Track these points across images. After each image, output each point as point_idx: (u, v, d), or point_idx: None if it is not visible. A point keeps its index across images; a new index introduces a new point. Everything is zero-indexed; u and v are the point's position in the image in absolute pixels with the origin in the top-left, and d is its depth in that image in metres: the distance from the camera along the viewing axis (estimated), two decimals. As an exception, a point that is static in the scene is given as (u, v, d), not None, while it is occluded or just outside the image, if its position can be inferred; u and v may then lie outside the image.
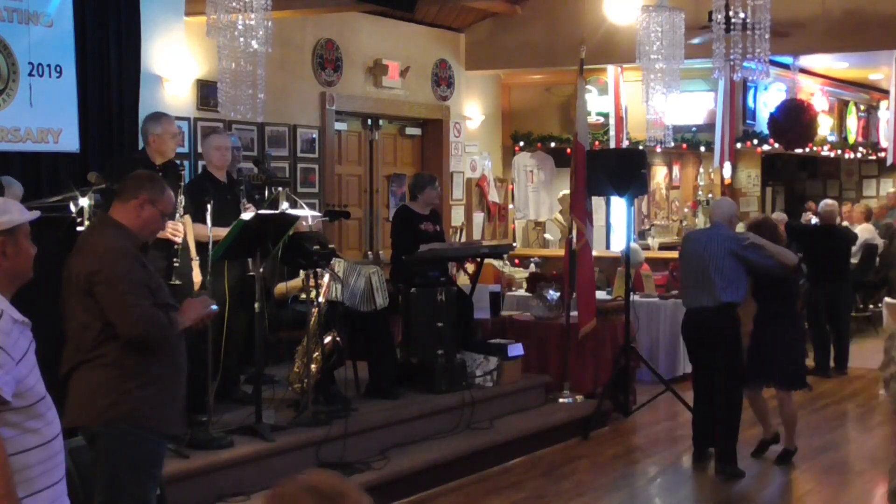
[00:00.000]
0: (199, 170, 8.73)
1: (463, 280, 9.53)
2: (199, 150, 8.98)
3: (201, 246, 6.53)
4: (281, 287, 7.55)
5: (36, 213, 3.31)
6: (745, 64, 8.47)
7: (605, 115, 12.74)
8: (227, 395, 6.98)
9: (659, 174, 14.44)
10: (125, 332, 4.10)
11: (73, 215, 5.87)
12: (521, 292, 10.43)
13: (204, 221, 6.46)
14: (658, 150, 12.06)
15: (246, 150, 9.01)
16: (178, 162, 6.61)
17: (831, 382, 10.43)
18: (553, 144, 13.15)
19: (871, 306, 13.26)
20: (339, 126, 10.99)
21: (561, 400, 8.61)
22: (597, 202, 10.15)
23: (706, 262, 7.18)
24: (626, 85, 12.36)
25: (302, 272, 7.11)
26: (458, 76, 12.41)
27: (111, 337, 4.12)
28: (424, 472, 6.82)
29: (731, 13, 8.43)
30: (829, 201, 11.36)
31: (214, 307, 4.50)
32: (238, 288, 6.87)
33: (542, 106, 13.42)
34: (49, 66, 7.38)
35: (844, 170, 18.55)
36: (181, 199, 6.16)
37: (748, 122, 13.42)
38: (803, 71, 14.16)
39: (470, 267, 9.05)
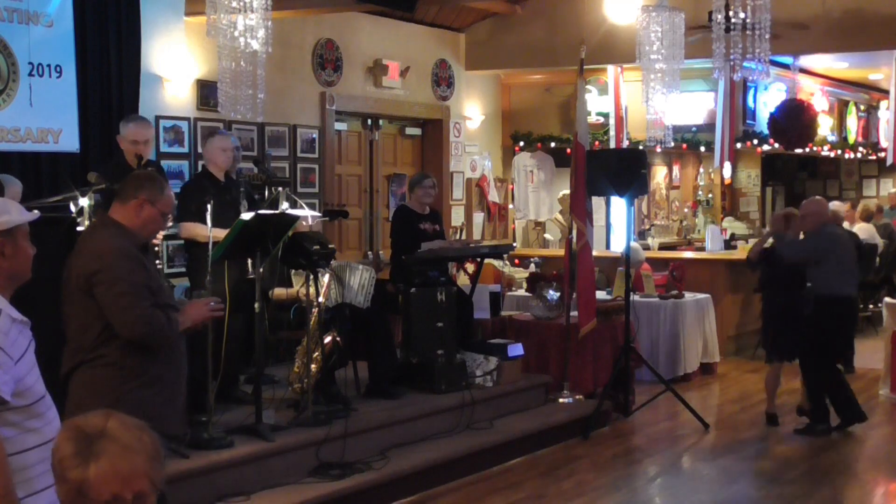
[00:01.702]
0: (199, 169, 8.74)
1: (463, 280, 9.53)
2: (199, 150, 8.99)
3: (202, 245, 6.54)
4: (280, 293, 7.51)
5: (35, 214, 3.31)
6: (745, 64, 8.47)
7: (605, 115, 12.75)
8: (227, 395, 6.98)
9: (659, 174, 14.44)
10: (125, 333, 4.10)
11: (73, 215, 5.87)
12: (521, 292, 10.42)
13: (203, 221, 6.47)
14: (658, 150, 12.06)
15: (246, 150, 9.01)
16: (150, 160, 6.64)
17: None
18: (553, 144, 13.15)
19: (871, 306, 13.26)
20: (339, 126, 10.99)
21: (561, 400, 8.60)
22: (597, 202, 10.15)
23: (852, 257, 8.52)
24: (626, 85, 12.36)
25: (296, 277, 7.10)
26: (458, 76, 12.42)
27: (111, 337, 4.12)
28: (424, 472, 6.82)
29: (731, 13, 8.43)
30: (836, 203, 11.35)
31: (216, 307, 4.49)
32: (236, 289, 6.86)
33: (542, 106, 13.42)
34: (49, 66, 7.38)
35: (844, 170, 18.55)
36: None
37: (748, 122, 13.43)
38: (803, 71, 14.17)
39: (470, 267, 9.05)
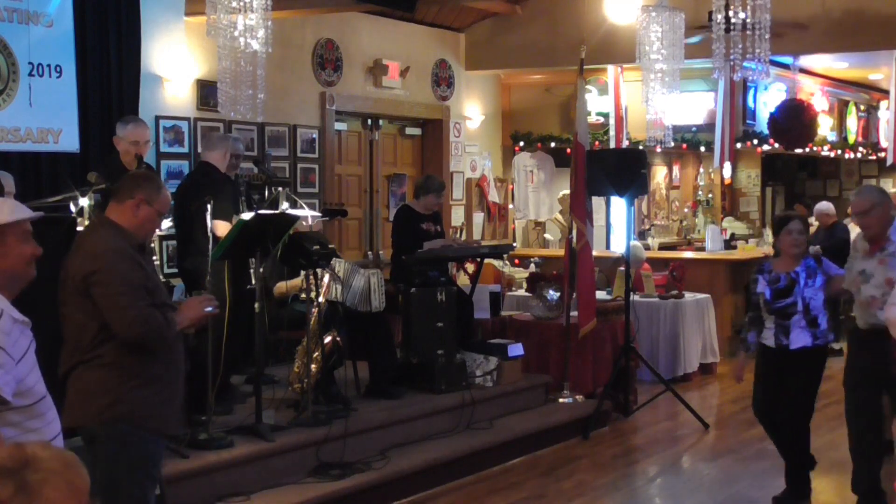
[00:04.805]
0: (195, 167, 8.73)
1: (463, 280, 9.53)
2: (199, 150, 8.98)
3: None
4: (281, 286, 7.55)
5: (32, 213, 3.29)
6: (745, 64, 8.47)
7: (605, 115, 12.75)
8: (227, 395, 6.98)
9: (659, 174, 14.44)
10: (121, 333, 4.09)
11: (73, 215, 5.87)
12: (521, 292, 10.42)
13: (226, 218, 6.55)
14: (658, 150, 12.07)
15: (246, 150, 8.99)
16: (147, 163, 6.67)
17: (831, 382, 10.41)
18: (553, 144, 13.16)
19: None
20: (339, 126, 10.99)
21: (561, 400, 8.61)
22: (597, 202, 10.15)
23: None
24: (626, 85, 12.36)
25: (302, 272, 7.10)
26: (458, 76, 12.42)
27: (109, 337, 4.11)
28: (424, 472, 6.82)
29: (731, 13, 8.43)
30: (824, 202, 11.31)
31: (213, 307, 4.48)
32: (237, 289, 6.86)
33: (542, 106, 13.42)
34: (49, 66, 7.38)
35: (844, 170, 18.54)
36: None
37: (748, 122, 13.43)
38: (803, 71, 14.16)
39: (470, 267, 9.05)
